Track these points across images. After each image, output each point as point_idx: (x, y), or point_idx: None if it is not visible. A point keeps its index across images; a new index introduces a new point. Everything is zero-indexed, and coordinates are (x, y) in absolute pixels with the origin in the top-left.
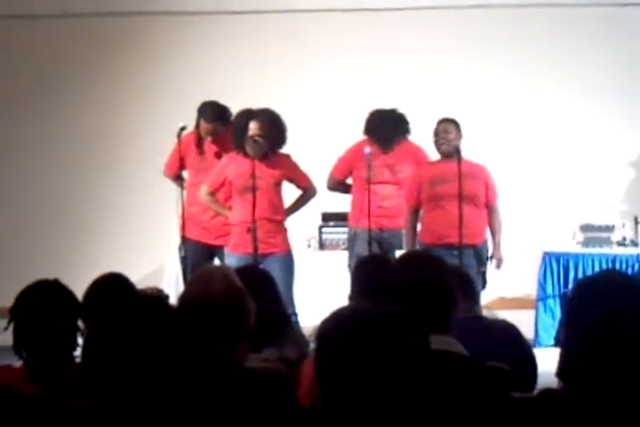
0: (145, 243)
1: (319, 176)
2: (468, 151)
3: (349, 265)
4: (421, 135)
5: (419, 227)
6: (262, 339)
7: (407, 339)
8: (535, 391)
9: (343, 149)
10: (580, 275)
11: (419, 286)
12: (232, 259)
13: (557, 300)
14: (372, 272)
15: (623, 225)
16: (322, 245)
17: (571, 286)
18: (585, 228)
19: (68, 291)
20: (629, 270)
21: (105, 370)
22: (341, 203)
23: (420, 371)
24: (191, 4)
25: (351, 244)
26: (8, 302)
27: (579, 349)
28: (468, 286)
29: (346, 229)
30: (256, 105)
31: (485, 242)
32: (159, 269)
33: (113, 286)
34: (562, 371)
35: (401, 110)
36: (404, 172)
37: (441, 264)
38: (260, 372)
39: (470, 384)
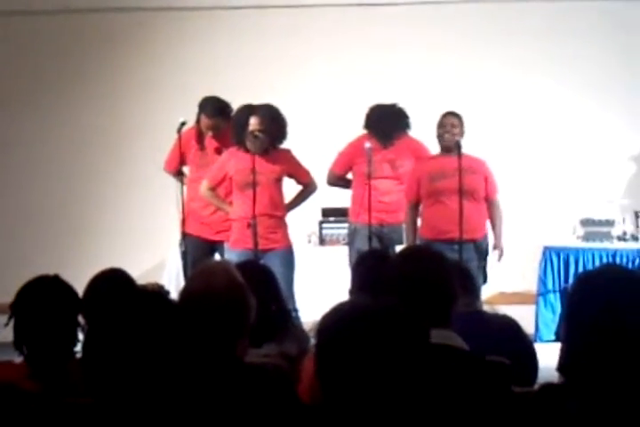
0: (145, 238)
1: (319, 171)
2: (469, 146)
3: (350, 260)
4: (421, 130)
5: (419, 222)
6: (263, 334)
7: (407, 333)
8: (536, 386)
9: (343, 144)
10: (581, 269)
11: (419, 280)
12: (232, 254)
13: (558, 295)
14: (372, 267)
15: (623, 220)
16: (322, 241)
17: (571, 280)
18: (585, 222)
19: (69, 286)
20: (630, 265)
21: (106, 366)
22: (341, 198)
23: (421, 365)
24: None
25: (351, 239)
26: (8, 297)
27: (579, 343)
28: (469, 281)
29: (346, 225)
30: (257, 100)
31: (486, 236)
32: (160, 264)
33: (113, 282)
34: (562, 365)
35: (401, 105)
36: (404, 166)
37: (441, 259)
38: (260, 367)
39: (470, 379)
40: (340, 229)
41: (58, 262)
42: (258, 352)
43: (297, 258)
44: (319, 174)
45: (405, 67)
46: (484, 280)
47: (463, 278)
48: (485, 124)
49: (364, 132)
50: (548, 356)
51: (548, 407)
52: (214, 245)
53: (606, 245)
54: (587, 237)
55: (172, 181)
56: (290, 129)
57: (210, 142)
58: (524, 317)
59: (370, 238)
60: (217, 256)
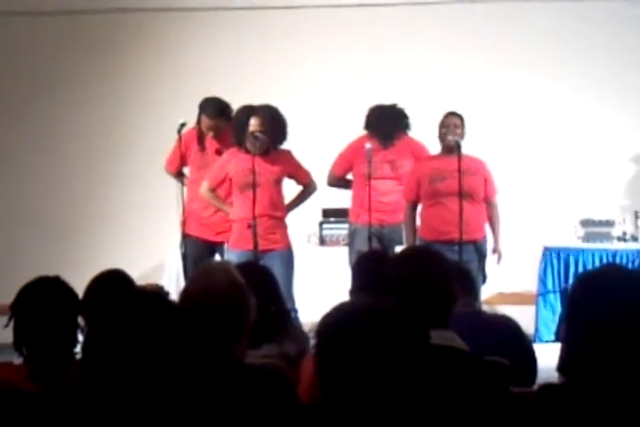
0: (145, 239)
1: (320, 172)
2: (469, 146)
3: (350, 261)
4: (422, 130)
5: (418, 222)
6: (262, 335)
7: (407, 334)
8: (535, 386)
9: (343, 144)
10: (581, 270)
11: (418, 281)
12: (232, 255)
13: (558, 295)
14: (372, 268)
15: (624, 220)
16: (322, 241)
17: (571, 281)
18: (585, 223)
19: (69, 288)
20: (630, 265)
21: (105, 367)
22: (342, 199)
23: (420, 366)
24: (192, 0)
25: (351, 240)
26: (8, 298)
27: (579, 344)
28: (468, 282)
29: (346, 225)
30: (257, 101)
31: (485, 237)
32: (159, 265)
33: (113, 283)
34: (562, 366)
35: (401, 106)
36: (404, 167)
37: (440, 259)
38: (260, 368)
39: (469, 379)
40: (340, 230)
41: (58, 263)
42: (257, 353)
43: (297, 258)
44: (319, 175)
45: (405, 67)
46: (484, 280)
47: (463, 279)
48: (485, 125)
49: (365, 132)
50: (548, 356)
51: (548, 408)
52: (214, 246)
53: (606, 245)
54: (587, 238)
55: (173, 182)
56: (290, 130)
57: (210, 143)
58: (524, 317)
59: (370, 239)
60: (217, 257)
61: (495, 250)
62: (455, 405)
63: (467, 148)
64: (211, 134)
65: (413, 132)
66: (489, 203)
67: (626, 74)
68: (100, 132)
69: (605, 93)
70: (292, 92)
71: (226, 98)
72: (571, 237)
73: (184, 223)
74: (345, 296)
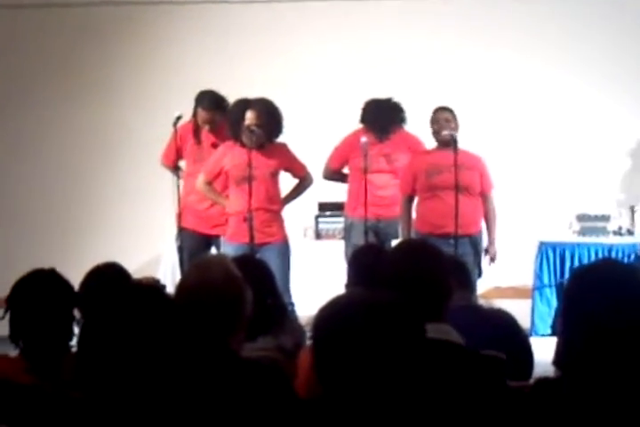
0: (141, 233)
1: (316, 165)
2: (465, 140)
3: (346, 255)
4: (417, 124)
5: (414, 215)
6: (258, 328)
7: (403, 327)
8: (531, 380)
9: (339, 138)
10: (577, 264)
11: (414, 274)
12: (229, 248)
13: (553, 289)
14: (368, 262)
15: (619, 214)
16: (318, 235)
17: (567, 275)
18: (581, 217)
19: (65, 280)
20: (625, 260)
21: (101, 360)
22: (338, 192)
23: (417, 358)
24: None
25: (347, 233)
26: (4, 291)
27: (575, 338)
28: (464, 276)
29: (342, 219)
30: (251, 95)
31: (481, 231)
32: (156, 258)
33: (109, 276)
34: (558, 360)
35: (397, 99)
36: (400, 160)
37: (436, 253)
38: (256, 361)
39: (465, 373)
40: (336, 224)
41: (53, 256)
42: (254, 346)
43: (293, 252)
44: (315, 168)
45: (401, 61)
46: (480, 274)
47: (459, 273)
48: (481, 119)
49: (360, 126)
50: (544, 350)
51: (544, 402)
52: (210, 240)
53: (602, 239)
54: (582, 232)
55: (169, 175)
56: (286, 123)
57: (206, 137)
58: (520, 311)
59: (366, 233)
60: (213, 250)
61: (488, 251)
62: (451, 399)
63: (462, 142)
64: (207, 128)
65: (409, 126)
66: (485, 198)
67: (624, 68)
68: (93, 126)
69: (601, 87)
70: (287, 85)
71: (220, 91)
72: (566, 232)
73: (180, 216)
74: (341, 290)
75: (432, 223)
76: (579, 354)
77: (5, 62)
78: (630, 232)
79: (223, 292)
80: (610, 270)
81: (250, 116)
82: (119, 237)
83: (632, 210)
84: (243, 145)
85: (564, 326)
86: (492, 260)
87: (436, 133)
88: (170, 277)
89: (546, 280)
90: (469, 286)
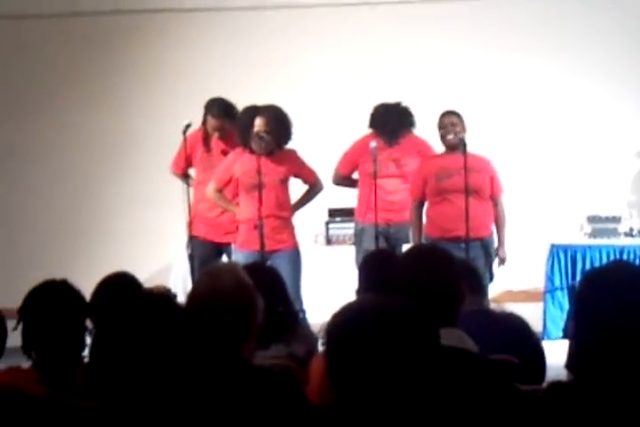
0: (152, 241)
1: (325, 171)
2: (475, 143)
3: (357, 260)
4: (426, 128)
5: (424, 220)
6: (270, 336)
7: (417, 332)
8: (544, 384)
9: (349, 143)
10: (588, 266)
11: (426, 280)
12: (239, 256)
13: (565, 292)
14: (379, 267)
15: (630, 216)
16: (329, 241)
17: (578, 277)
18: (592, 219)
19: (76, 291)
20: (637, 261)
21: (113, 369)
22: (348, 198)
23: (431, 365)
24: (189, 1)
25: (358, 239)
26: (16, 302)
27: (588, 341)
28: (476, 280)
29: (352, 225)
30: (260, 101)
31: (492, 234)
32: (167, 267)
33: (120, 286)
34: (571, 363)
35: (405, 104)
36: (409, 165)
37: (448, 258)
38: (268, 369)
39: (478, 381)
40: (346, 229)
41: (65, 266)
42: (266, 354)
43: (304, 258)
44: (325, 174)
45: (410, 65)
46: (491, 278)
47: (470, 277)
48: (491, 122)
49: (369, 131)
50: (556, 353)
51: (558, 406)
52: (221, 247)
53: (613, 241)
54: (594, 234)
55: (179, 184)
56: (295, 129)
57: (216, 144)
58: (532, 314)
59: (377, 238)
60: (224, 258)
61: (497, 254)
62: (465, 406)
63: (472, 145)
64: (216, 135)
65: (418, 130)
66: (495, 201)
67: (632, 69)
68: (104, 134)
69: (610, 89)
70: (295, 91)
71: (228, 98)
72: (577, 234)
73: (190, 224)
74: (352, 296)
75: (443, 227)
76: (591, 357)
77: (14, 71)
78: None
79: (234, 300)
80: (622, 273)
81: (259, 123)
82: (130, 245)
83: None
84: (252, 152)
85: (577, 330)
86: (502, 262)
87: (443, 138)
88: (181, 285)
89: (557, 283)
90: (481, 291)
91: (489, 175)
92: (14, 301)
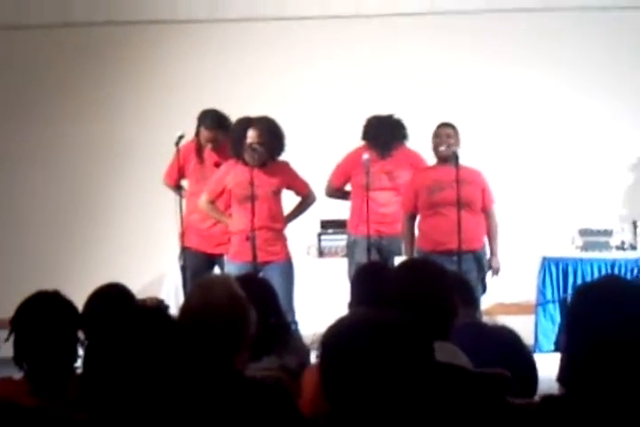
0: (144, 252)
1: (318, 183)
2: (467, 155)
3: (349, 272)
4: (419, 141)
5: (416, 233)
6: (262, 348)
7: (412, 346)
8: (536, 398)
9: (341, 155)
10: (580, 280)
11: (419, 294)
12: (232, 267)
13: (557, 305)
14: (371, 280)
15: (622, 229)
16: (321, 253)
17: (570, 290)
18: (584, 232)
19: (69, 302)
20: (628, 275)
21: (106, 381)
22: (340, 210)
23: (425, 378)
24: (182, 12)
25: (350, 251)
26: (8, 313)
27: (580, 355)
28: (468, 293)
29: (345, 237)
30: (253, 113)
31: (484, 247)
32: (159, 278)
33: (113, 297)
34: (562, 377)
35: (398, 116)
36: (402, 177)
37: (440, 271)
38: (261, 381)
39: (470, 394)
40: (338, 241)
41: (57, 277)
42: (258, 366)
43: (296, 270)
44: (318, 186)
45: (403, 78)
46: (484, 290)
47: (463, 290)
48: (483, 135)
49: (362, 143)
50: (548, 366)
51: (550, 420)
52: (213, 259)
53: (605, 254)
54: (585, 247)
55: (171, 195)
56: (288, 141)
57: (209, 156)
58: (524, 327)
59: (369, 250)
60: (217, 269)
61: (491, 265)
62: (458, 418)
63: (464, 157)
64: (209, 146)
65: (411, 143)
66: (487, 213)
67: (624, 82)
68: (97, 145)
69: (603, 102)
70: (289, 103)
71: (221, 110)
72: (569, 247)
73: (182, 236)
74: (344, 308)
75: (435, 240)
76: (583, 371)
77: (6, 81)
78: (633, 247)
79: (227, 313)
80: (613, 287)
81: (252, 135)
82: (122, 256)
83: (634, 225)
84: (245, 163)
85: (569, 343)
86: (496, 272)
87: (436, 149)
88: (173, 296)
89: (549, 296)
90: (473, 304)
91: (480, 187)
92: (6, 311)
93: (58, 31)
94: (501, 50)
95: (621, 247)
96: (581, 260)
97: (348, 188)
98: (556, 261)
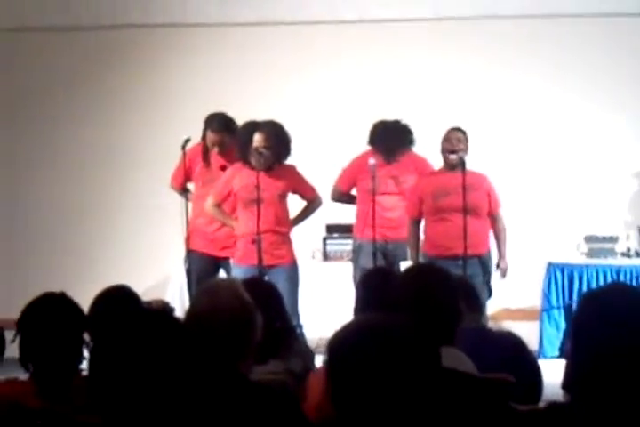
0: (150, 255)
1: (324, 187)
2: (473, 161)
3: (354, 277)
4: (425, 146)
5: (422, 237)
6: (268, 351)
7: (418, 351)
8: (541, 403)
9: (348, 159)
10: (585, 286)
11: (424, 299)
12: (237, 271)
13: (562, 311)
14: (376, 285)
15: (627, 236)
16: (326, 257)
17: (575, 297)
18: (589, 239)
19: (75, 304)
20: (634, 281)
21: (111, 383)
22: (346, 214)
23: (431, 384)
24: (191, 16)
25: (356, 255)
26: (15, 314)
27: (585, 362)
28: (473, 299)
29: (350, 241)
30: (259, 117)
31: (489, 251)
32: (164, 281)
33: (118, 299)
34: (567, 383)
35: (405, 121)
36: (408, 182)
37: (446, 277)
38: (266, 385)
39: (474, 399)
40: (344, 246)
41: (63, 279)
42: (263, 369)
43: (301, 274)
44: (324, 190)
45: (410, 82)
46: (490, 294)
47: (468, 296)
48: (489, 141)
49: (368, 148)
50: (552, 372)
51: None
52: (219, 262)
53: (610, 261)
54: (591, 254)
55: (178, 198)
56: (294, 145)
57: (215, 159)
58: (528, 333)
59: (374, 255)
60: (222, 273)
61: (499, 265)
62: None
63: (470, 163)
64: (216, 150)
65: (417, 148)
66: (494, 217)
67: (628, 88)
68: (103, 148)
69: (609, 110)
70: (295, 107)
71: (228, 113)
72: (574, 253)
73: (188, 239)
74: (349, 312)
75: (441, 245)
76: (588, 378)
77: (10, 84)
78: (638, 254)
79: (233, 317)
80: (619, 294)
81: (258, 139)
82: (128, 259)
83: None
84: (251, 167)
85: (574, 351)
86: (504, 274)
87: (445, 153)
88: (178, 299)
89: (554, 302)
90: (479, 309)
91: (485, 192)
92: (13, 312)
93: (64, 34)
94: (505, 55)
95: (627, 254)
96: (587, 266)
97: (353, 192)
98: (562, 268)
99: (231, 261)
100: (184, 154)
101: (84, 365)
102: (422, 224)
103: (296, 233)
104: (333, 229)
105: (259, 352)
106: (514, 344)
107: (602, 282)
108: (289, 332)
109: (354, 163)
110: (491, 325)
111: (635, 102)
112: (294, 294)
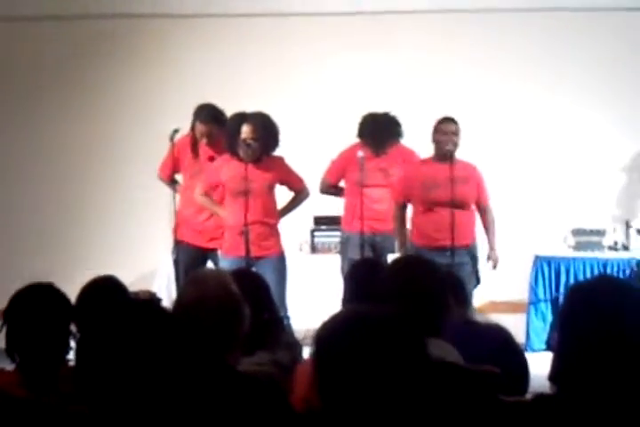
0: (137, 246)
1: (312, 179)
2: (463, 154)
3: (342, 269)
4: (414, 138)
5: (409, 226)
6: (255, 342)
7: (404, 342)
8: (528, 395)
9: (336, 151)
10: (572, 279)
11: (412, 291)
12: (225, 262)
13: (549, 304)
14: (364, 277)
15: (614, 229)
16: (314, 249)
17: (562, 289)
18: (576, 232)
19: (62, 294)
20: (620, 275)
21: (98, 374)
22: (333, 206)
23: (417, 374)
24: (177, 6)
25: (344, 247)
26: (1, 304)
27: (571, 355)
28: (461, 291)
29: (338, 233)
30: (248, 108)
31: (475, 241)
32: (151, 272)
33: (106, 290)
34: (554, 375)
35: (393, 113)
36: (396, 175)
37: (433, 270)
38: (253, 376)
39: (462, 391)
40: (332, 238)
41: (50, 269)
42: (250, 360)
43: (289, 266)
44: (312, 182)
45: (398, 75)
46: (478, 282)
47: (455, 289)
48: (478, 133)
49: (357, 140)
50: (539, 365)
51: (542, 418)
52: (206, 253)
53: (597, 254)
54: (578, 247)
55: (166, 189)
56: (282, 137)
57: (204, 150)
58: (515, 325)
59: (362, 247)
60: (210, 264)
61: (490, 257)
62: (450, 414)
63: (460, 155)
64: (204, 141)
65: (405, 140)
66: (483, 208)
67: (617, 84)
68: (91, 139)
69: (597, 103)
70: (284, 99)
71: (217, 105)
72: (562, 246)
73: (176, 230)
74: (337, 304)
75: (429, 236)
76: (575, 370)
77: (5, 77)
78: (625, 247)
79: (221, 308)
80: (606, 287)
81: (246, 130)
82: (115, 249)
83: (627, 225)
84: (239, 159)
85: (561, 343)
86: (495, 266)
87: (438, 144)
88: (165, 290)
89: (541, 295)
90: (465, 302)
91: (475, 183)
92: (1, 302)
93: (55, 25)
94: (500, 48)
95: (614, 247)
96: (574, 259)
97: (342, 184)
98: (549, 261)
99: (219, 252)
100: (172, 145)
101: (71, 355)
102: (410, 212)
103: (284, 225)
104: (321, 222)
105: (246, 344)
106: (501, 337)
107: (589, 275)
108: (276, 323)
109: (342, 155)
110: (478, 317)
111: (623, 97)
112: (282, 286)
